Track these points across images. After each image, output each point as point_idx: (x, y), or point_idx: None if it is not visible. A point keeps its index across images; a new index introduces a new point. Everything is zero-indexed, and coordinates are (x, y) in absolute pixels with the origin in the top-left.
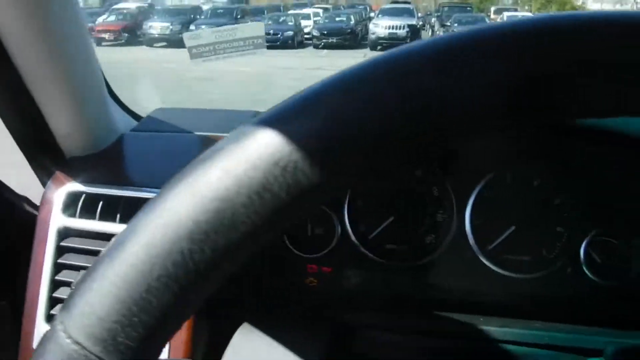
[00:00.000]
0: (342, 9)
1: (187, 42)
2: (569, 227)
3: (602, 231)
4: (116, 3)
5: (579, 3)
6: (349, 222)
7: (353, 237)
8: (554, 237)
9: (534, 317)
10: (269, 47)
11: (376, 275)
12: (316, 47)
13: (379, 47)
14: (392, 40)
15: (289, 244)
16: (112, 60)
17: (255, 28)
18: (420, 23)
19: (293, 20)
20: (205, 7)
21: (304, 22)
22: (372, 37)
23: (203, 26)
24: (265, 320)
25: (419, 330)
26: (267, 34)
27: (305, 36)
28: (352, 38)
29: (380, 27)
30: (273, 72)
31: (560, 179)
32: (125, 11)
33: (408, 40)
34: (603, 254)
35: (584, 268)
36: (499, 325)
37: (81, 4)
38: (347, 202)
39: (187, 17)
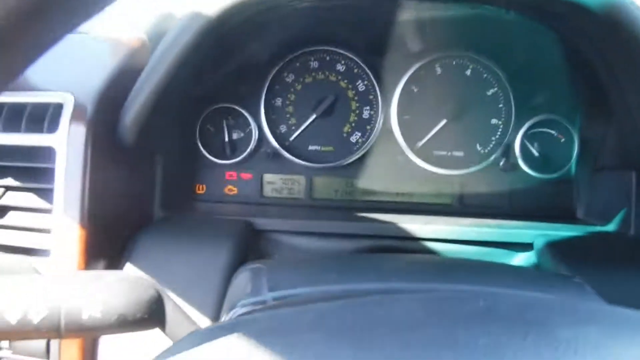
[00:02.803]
0: None
1: None
2: (504, 119)
3: (539, 122)
4: None
5: None
6: (267, 124)
7: (272, 140)
8: (489, 130)
9: (461, 214)
10: None
11: (298, 178)
12: None
13: None
14: None
15: (205, 151)
16: None
17: None
18: None
19: None
20: None
21: None
22: None
23: None
24: (175, 224)
25: (340, 233)
26: None
27: None
28: None
29: None
30: None
31: (493, 67)
32: None
33: None
34: (541, 146)
35: (520, 161)
36: (425, 223)
37: None
38: (263, 101)
39: None
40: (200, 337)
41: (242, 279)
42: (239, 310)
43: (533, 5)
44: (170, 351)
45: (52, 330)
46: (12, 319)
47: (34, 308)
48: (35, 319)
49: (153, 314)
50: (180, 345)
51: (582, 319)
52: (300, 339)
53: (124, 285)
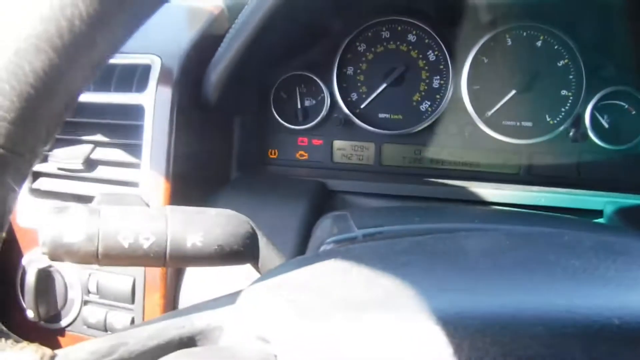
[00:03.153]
0: None
1: None
2: (574, 90)
3: (609, 94)
4: None
5: None
6: (339, 91)
7: (343, 107)
8: (558, 101)
9: (528, 183)
10: None
11: (368, 145)
12: None
13: None
14: None
15: (279, 117)
16: None
17: None
18: None
19: None
20: None
21: None
22: None
23: None
24: (253, 182)
25: (410, 196)
26: None
27: None
28: None
29: None
30: None
31: (565, 39)
32: None
33: None
34: (611, 118)
35: (590, 132)
36: (494, 189)
37: None
38: (335, 70)
39: None
40: (297, 263)
41: (327, 223)
42: (329, 246)
43: None
44: (271, 273)
45: (159, 257)
46: (125, 242)
47: (144, 234)
48: (145, 244)
49: (248, 248)
50: (279, 269)
51: None
52: (396, 261)
53: (223, 218)
